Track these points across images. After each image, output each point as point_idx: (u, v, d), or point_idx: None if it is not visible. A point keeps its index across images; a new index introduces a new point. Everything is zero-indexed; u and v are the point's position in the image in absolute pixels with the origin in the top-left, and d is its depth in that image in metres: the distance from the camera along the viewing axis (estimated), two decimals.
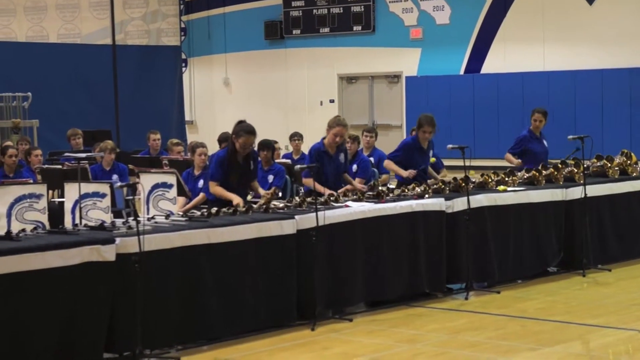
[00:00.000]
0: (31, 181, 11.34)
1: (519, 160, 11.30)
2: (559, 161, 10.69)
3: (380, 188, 9.23)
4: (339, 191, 9.34)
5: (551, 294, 9.28)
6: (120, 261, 6.94)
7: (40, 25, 23.73)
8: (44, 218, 9.28)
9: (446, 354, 7.25)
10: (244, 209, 8.12)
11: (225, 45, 26.21)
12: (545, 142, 11.75)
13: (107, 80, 22.38)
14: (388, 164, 10.40)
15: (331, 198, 8.75)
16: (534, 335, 7.69)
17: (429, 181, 10.10)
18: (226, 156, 8.93)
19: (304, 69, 25.10)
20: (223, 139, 12.94)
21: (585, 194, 10.05)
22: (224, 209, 8.07)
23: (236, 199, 8.64)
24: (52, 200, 11.07)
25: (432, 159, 10.31)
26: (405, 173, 10.00)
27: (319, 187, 9.05)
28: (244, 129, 8.86)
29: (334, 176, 9.64)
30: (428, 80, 23.10)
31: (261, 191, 8.94)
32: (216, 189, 8.92)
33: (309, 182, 9.46)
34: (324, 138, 9.70)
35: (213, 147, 12.51)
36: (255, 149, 11.71)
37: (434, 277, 9.08)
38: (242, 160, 8.94)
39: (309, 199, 8.52)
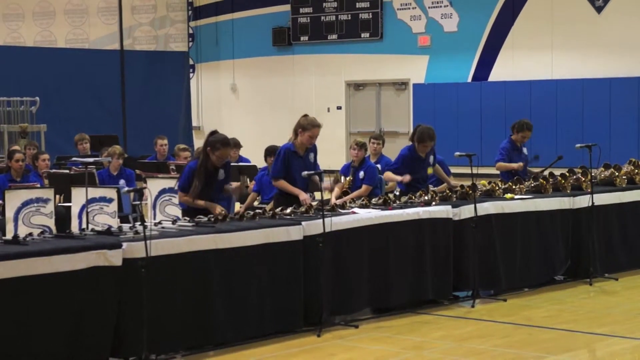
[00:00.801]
0: (38, 186, 11.38)
1: (520, 164, 11.26)
2: (565, 170, 10.68)
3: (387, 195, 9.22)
4: (347, 198, 9.33)
5: (558, 302, 9.26)
6: (127, 266, 6.94)
7: (48, 30, 23.80)
8: (51, 222, 9.31)
9: None
10: (223, 216, 8.03)
11: (233, 51, 26.24)
12: (525, 151, 11.66)
13: (114, 85, 22.43)
14: (386, 174, 10.38)
15: (338, 205, 8.74)
16: (540, 343, 7.68)
17: (437, 188, 10.07)
18: (197, 168, 8.49)
19: (312, 75, 25.11)
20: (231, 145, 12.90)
21: (593, 203, 10.04)
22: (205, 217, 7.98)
23: (215, 209, 8.38)
24: (59, 204, 11.09)
25: (430, 170, 10.22)
26: (399, 178, 9.98)
27: (294, 190, 8.94)
28: (221, 142, 8.48)
29: (304, 181, 9.10)
30: (435, 88, 23.10)
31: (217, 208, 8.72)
32: (186, 199, 8.57)
33: (280, 184, 9.11)
34: (292, 140, 9.21)
35: None
36: (263, 155, 11.74)
37: (440, 284, 9.07)
38: (213, 171, 8.56)
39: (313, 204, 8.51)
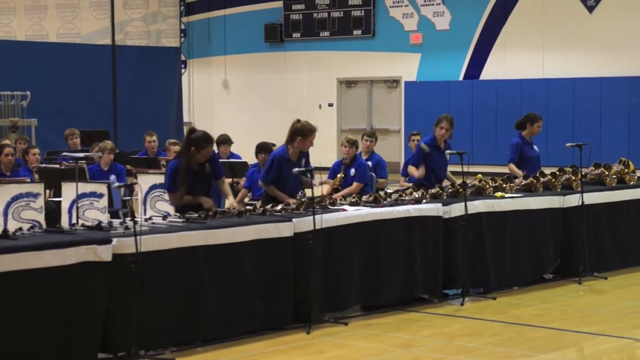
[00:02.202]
0: (28, 180, 11.35)
1: (523, 172, 11.28)
2: (556, 168, 10.71)
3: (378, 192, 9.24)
4: (338, 195, 9.35)
5: (547, 301, 9.28)
6: (117, 261, 6.93)
7: (40, 24, 23.74)
8: (41, 217, 9.28)
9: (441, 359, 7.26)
10: (214, 211, 8.03)
11: (225, 47, 26.22)
12: (535, 147, 11.71)
13: (106, 80, 22.40)
14: (410, 169, 10.59)
15: (329, 201, 8.74)
16: (529, 341, 7.69)
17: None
18: (180, 167, 8.37)
19: (304, 72, 25.11)
20: (221, 141, 12.96)
21: (583, 202, 10.06)
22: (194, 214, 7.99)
23: (206, 203, 8.36)
24: (49, 199, 11.06)
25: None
26: (417, 173, 10.15)
27: (281, 195, 8.87)
28: (206, 139, 8.36)
29: (294, 184, 9.03)
30: (427, 86, 23.12)
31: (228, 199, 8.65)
32: (174, 198, 8.50)
33: (270, 190, 8.99)
34: (285, 144, 9.12)
35: None
36: (254, 152, 11.74)
37: (430, 282, 9.08)
38: (197, 169, 8.46)
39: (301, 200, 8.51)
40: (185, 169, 8.36)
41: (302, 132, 8.97)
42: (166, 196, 9.75)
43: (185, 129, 26.38)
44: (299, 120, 9.12)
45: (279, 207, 8.42)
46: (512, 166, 11.40)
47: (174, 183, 8.43)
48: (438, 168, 10.43)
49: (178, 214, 8.15)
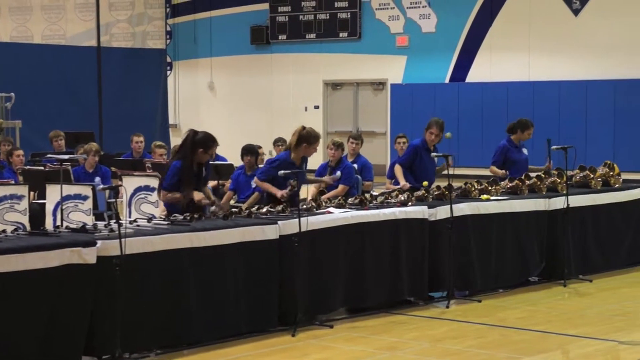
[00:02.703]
0: (12, 182, 11.29)
1: (504, 171, 11.32)
2: (541, 171, 10.74)
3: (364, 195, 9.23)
4: (324, 197, 9.35)
5: (532, 303, 9.29)
6: (101, 264, 6.90)
7: (24, 25, 23.64)
8: (25, 219, 9.23)
9: None
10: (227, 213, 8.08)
11: (210, 49, 26.18)
12: (525, 151, 11.75)
13: (91, 82, 22.34)
14: (396, 169, 10.64)
15: (314, 204, 8.73)
16: (514, 344, 7.70)
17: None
18: (182, 167, 8.44)
19: (290, 74, 25.10)
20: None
21: (568, 205, 10.08)
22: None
23: (197, 195, 8.36)
24: (34, 201, 11.01)
25: (425, 183, 10.28)
26: (402, 183, 10.16)
27: (273, 190, 8.96)
28: (211, 139, 8.53)
29: (299, 185, 9.13)
30: (413, 88, 23.14)
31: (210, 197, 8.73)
32: (168, 197, 8.48)
33: (264, 185, 9.13)
34: (288, 150, 9.26)
35: None
36: (239, 154, 11.72)
37: (415, 284, 9.08)
38: (198, 170, 8.56)
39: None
40: (190, 169, 8.43)
41: (307, 139, 9.13)
42: (151, 198, 9.73)
43: (171, 131, 26.31)
44: (304, 127, 9.25)
45: (264, 210, 8.41)
46: (493, 168, 11.44)
47: (173, 181, 8.42)
48: (427, 170, 10.44)
49: (162, 216, 8.12)
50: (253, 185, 10.91)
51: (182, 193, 8.37)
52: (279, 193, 8.88)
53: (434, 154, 10.24)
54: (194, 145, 8.46)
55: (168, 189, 8.44)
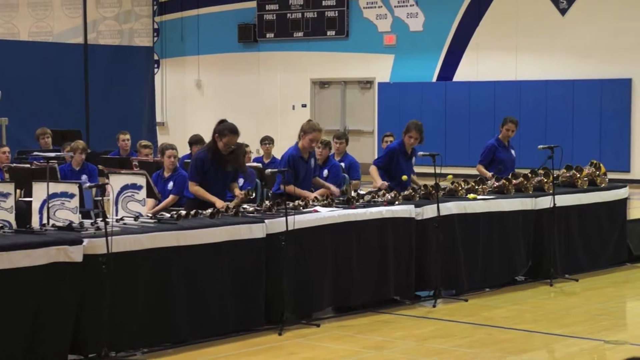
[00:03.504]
0: None
1: (491, 174, 11.33)
2: (528, 170, 10.76)
3: (351, 194, 9.24)
4: (315, 193, 9.36)
5: (518, 303, 9.32)
6: (88, 262, 6.89)
7: (11, 22, 23.57)
8: (11, 217, 9.18)
9: None
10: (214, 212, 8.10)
11: (198, 47, 26.15)
12: (512, 151, 11.79)
13: (78, 79, 22.25)
14: (371, 169, 10.52)
15: (301, 203, 8.74)
16: (500, 343, 7.72)
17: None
18: (207, 156, 8.77)
19: (277, 72, 25.09)
20: (194, 141, 12.91)
21: (554, 204, 10.11)
22: (205, 211, 8.05)
23: (219, 202, 8.52)
24: (20, 199, 10.97)
25: (404, 177, 10.26)
26: (378, 183, 10.10)
27: (301, 192, 9.18)
28: (229, 128, 8.76)
29: (305, 181, 9.57)
30: (400, 87, 23.17)
31: (236, 192, 8.87)
32: (196, 189, 8.78)
33: (290, 189, 9.19)
34: (297, 143, 9.62)
35: (183, 149, 12.47)
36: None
37: (402, 284, 9.09)
38: (221, 160, 8.80)
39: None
40: (209, 154, 8.72)
41: (304, 129, 9.48)
42: (137, 196, 9.72)
43: (158, 129, 26.28)
44: (310, 120, 9.72)
45: (251, 208, 8.40)
46: (481, 168, 11.49)
47: (196, 171, 8.78)
48: (404, 174, 10.35)
49: (149, 215, 8.11)
50: (240, 182, 10.90)
51: (210, 195, 8.62)
52: (313, 197, 8.99)
53: (420, 152, 10.24)
54: (213, 132, 8.82)
55: (193, 178, 8.77)
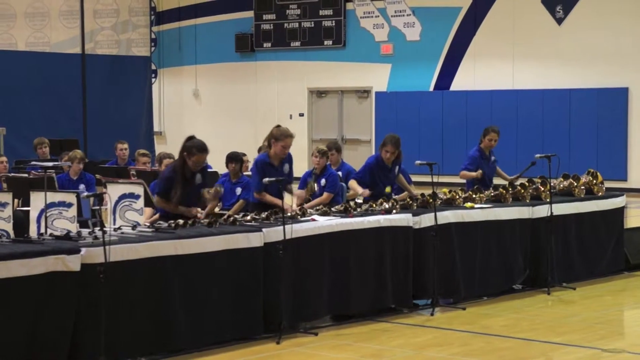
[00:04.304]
0: None
1: (480, 172, 11.34)
2: (525, 180, 10.78)
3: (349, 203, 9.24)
4: (308, 205, 9.36)
5: (516, 311, 9.32)
6: (85, 271, 6.89)
7: (8, 32, 23.58)
8: (9, 227, 9.18)
9: None
10: (205, 220, 8.08)
11: (195, 56, 26.16)
12: (493, 158, 11.75)
13: (75, 89, 22.28)
14: (351, 183, 10.44)
15: (298, 212, 8.74)
16: (498, 352, 7.72)
17: (398, 196, 10.13)
18: (173, 173, 8.53)
19: (274, 82, 25.11)
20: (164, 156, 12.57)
21: (552, 213, 10.12)
22: (203, 220, 8.07)
23: (187, 212, 8.45)
24: (18, 208, 10.97)
25: (388, 189, 10.20)
26: (359, 192, 10.05)
27: (274, 200, 8.93)
28: (197, 147, 8.50)
29: (277, 188, 9.12)
30: (397, 96, 23.19)
31: (204, 193, 8.67)
32: (164, 206, 8.62)
33: (263, 197, 9.08)
34: (266, 152, 9.28)
35: None
36: (224, 161, 11.71)
37: (400, 292, 9.09)
38: (190, 176, 8.59)
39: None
40: (178, 173, 8.48)
41: (275, 136, 9.14)
42: (135, 206, 9.71)
43: (156, 139, 26.32)
44: (278, 126, 9.33)
45: (248, 217, 8.41)
46: (463, 172, 11.46)
47: (164, 187, 8.56)
48: (383, 187, 10.24)
49: (147, 224, 8.11)
50: (238, 192, 10.92)
51: (173, 202, 8.42)
52: (285, 205, 8.82)
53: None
54: (182, 150, 8.56)
55: (160, 194, 8.53)
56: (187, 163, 8.51)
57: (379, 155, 10.23)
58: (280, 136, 9.11)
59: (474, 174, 11.34)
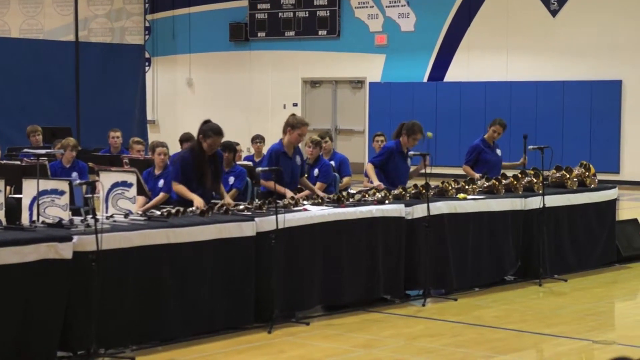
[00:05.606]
0: None
1: (479, 175, 11.36)
2: (518, 171, 10.79)
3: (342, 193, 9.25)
4: (299, 195, 9.35)
5: (507, 302, 9.34)
6: (77, 259, 6.88)
7: (2, 19, 23.52)
8: (1, 214, 9.18)
9: None
10: (204, 209, 8.10)
11: (189, 45, 26.13)
12: (498, 151, 11.80)
13: (69, 77, 22.23)
14: (368, 168, 10.55)
15: (291, 202, 8.74)
16: (489, 343, 7.74)
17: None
18: (191, 156, 8.90)
19: (268, 71, 25.09)
20: (185, 139, 12.91)
21: (544, 204, 10.13)
22: (188, 209, 8.08)
23: (197, 200, 8.60)
24: (10, 196, 10.95)
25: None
26: (375, 183, 10.12)
27: (280, 189, 9.04)
28: (213, 130, 8.90)
29: (290, 178, 9.53)
30: (391, 87, 23.19)
31: (226, 199, 8.93)
32: (179, 188, 8.91)
33: (269, 184, 9.38)
34: (281, 139, 9.63)
35: (174, 147, 12.45)
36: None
37: (392, 282, 9.10)
38: (206, 161, 8.93)
39: (268, 201, 8.50)
40: (194, 155, 8.86)
41: (291, 124, 9.44)
42: (128, 194, 9.72)
43: (149, 127, 26.28)
44: (294, 114, 9.70)
45: (241, 207, 8.41)
46: (467, 169, 11.53)
47: (180, 171, 8.91)
48: (401, 173, 10.38)
49: (139, 212, 8.11)
50: (231, 181, 10.91)
51: (207, 186, 8.79)
52: (288, 194, 9.05)
53: (411, 152, 10.24)
54: (198, 133, 8.96)
55: (177, 180, 8.86)
56: (203, 146, 8.83)
57: (399, 141, 10.43)
58: (297, 124, 9.42)
59: (475, 175, 11.30)
